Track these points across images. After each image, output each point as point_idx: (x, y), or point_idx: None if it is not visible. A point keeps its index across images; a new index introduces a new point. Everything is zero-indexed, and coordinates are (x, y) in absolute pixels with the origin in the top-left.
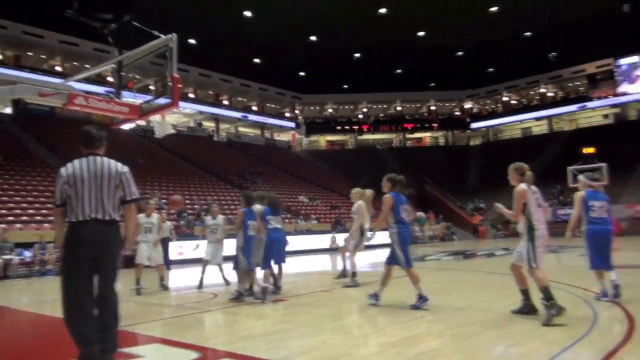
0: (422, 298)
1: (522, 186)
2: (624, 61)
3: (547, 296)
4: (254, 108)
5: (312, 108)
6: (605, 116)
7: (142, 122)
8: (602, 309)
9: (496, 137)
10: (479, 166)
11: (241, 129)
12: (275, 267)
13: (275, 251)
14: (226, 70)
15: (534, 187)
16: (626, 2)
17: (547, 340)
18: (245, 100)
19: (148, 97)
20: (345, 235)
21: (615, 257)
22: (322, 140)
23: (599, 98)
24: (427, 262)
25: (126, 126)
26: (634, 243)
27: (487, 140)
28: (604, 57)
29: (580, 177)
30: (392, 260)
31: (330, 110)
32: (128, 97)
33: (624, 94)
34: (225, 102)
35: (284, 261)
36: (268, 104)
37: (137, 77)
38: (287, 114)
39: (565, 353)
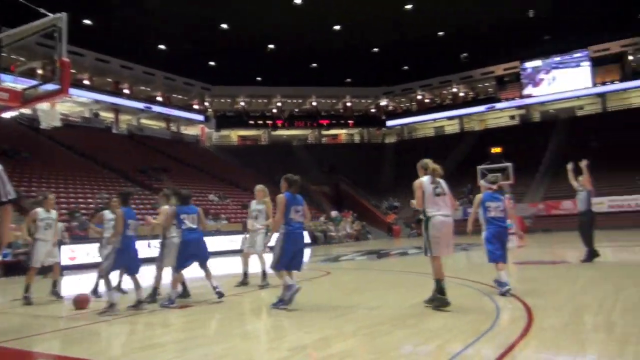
0: (282, 302)
1: (420, 179)
2: (529, 64)
3: (438, 287)
4: (159, 99)
5: (222, 100)
6: (512, 117)
7: (27, 111)
8: (505, 304)
9: (410, 135)
10: (394, 164)
11: (144, 121)
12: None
13: (192, 253)
14: (127, 56)
15: (439, 181)
16: (531, 8)
17: (453, 337)
18: (149, 89)
19: (33, 82)
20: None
21: (519, 253)
22: (234, 135)
23: (507, 99)
24: (342, 262)
25: (6, 114)
26: (537, 240)
27: (401, 139)
28: (511, 60)
29: (481, 182)
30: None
31: (242, 103)
32: (8, 81)
33: (529, 96)
34: (126, 91)
35: (198, 263)
36: (174, 95)
37: (21, 59)
38: (196, 106)
39: (469, 349)
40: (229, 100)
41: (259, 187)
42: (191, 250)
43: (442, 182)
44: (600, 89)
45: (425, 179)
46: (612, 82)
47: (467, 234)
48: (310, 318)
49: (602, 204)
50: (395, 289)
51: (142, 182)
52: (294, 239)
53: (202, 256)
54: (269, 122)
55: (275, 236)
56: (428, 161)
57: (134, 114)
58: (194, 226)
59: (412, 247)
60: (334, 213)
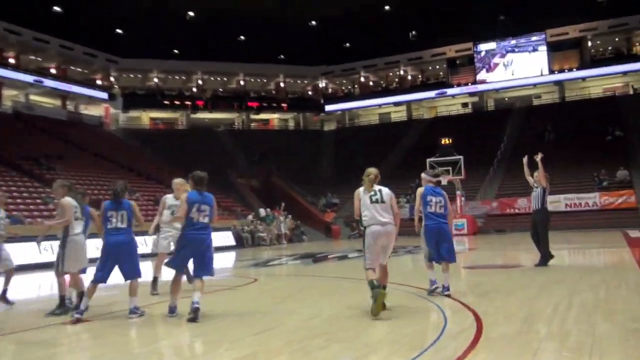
0: (172, 310)
1: (360, 188)
2: (483, 47)
3: (372, 288)
4: (53, 71)
5: (132, 76)
6: (465, 105)
7: None
8: (452, 312)
9: (352, 122)
10: (333, 155)
11: (34, 98)
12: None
13: (114, 259)
14: (13, 18)
15: (379, 188)
16: None
17: (394, 350)
18: (40, 59)
19: None
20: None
21: (469, 256)
22: (145, 117)
23: (459, 85)
24: (272, 267)
25: None
26: (488, 242)
27: (342, 126)
28: (464, 40)
29: (422, 174)
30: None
31: (156, 80)
32: None
33: (483, 82)
34: (12, 61)
35: (136, 274)
36: (73, 67)
37: None
38: (99, 82)
39: None
40: (139, 76)
41: (179, 181)
42: (112, 255)
43: (382, 189)
44: (558, 76)
45: (363, 188)
46: (570, 69)
47: (415, 235)
48: (232, 332)
49: (559, 202)
50: (331, 297)
51: (32, 171)
52: (192, 241)
53: (125, 265)
54: (187, 102)
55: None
56: (371, 170)
57: (22, 88)
58: (123, 226)
59: (352, 249)
60: (262, 211)
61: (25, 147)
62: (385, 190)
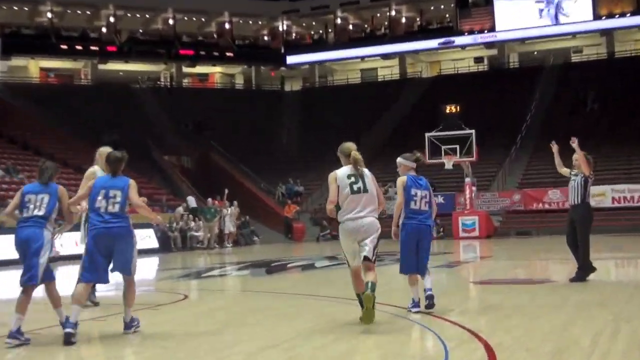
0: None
1: (337, 170)
2: None
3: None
4: None
5: (15, 9)
6: (479, 60)
7: None
8: (456, 344)
9: (324, 80)
10: (298, 126)
11: None
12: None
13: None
14: None
15: (364, 172)
16: None
17: None
18: None
19: None
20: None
21: (480, 267)
22: (34, 67)
23: (471, 32)
24: (210, 279)
25: None
26: (507, 248)
27: (310, 85)
28: None
29: (399, 159)
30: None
31: (49, 15)
32: None
33: (503, 29)
34: None
35: (33, 278)
36: None
37: None
38: None
39: None
40: (25, 9)
41: (105, 151)
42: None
43: (366, 174)
44: (606, 23)
45: (342, 171)
46: (622, 14)
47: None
48: None
49: (604, 195)
50: (292, 321)
51: None
52: (96, 236)
53: (26, 263)
54: (94, 48)
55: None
56: (350, 145)
57: None
58: (39, 213)
59: (321, 256)
60: (191, 200)
61: None
62: (368, 175)
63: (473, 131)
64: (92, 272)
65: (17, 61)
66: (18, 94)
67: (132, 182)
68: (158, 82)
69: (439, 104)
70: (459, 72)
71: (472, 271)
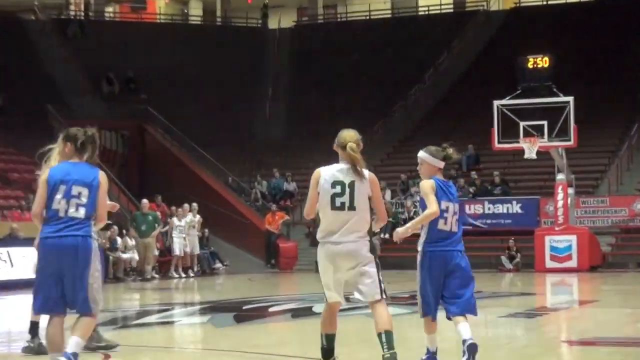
0: None
1: (321, 169)
2: None
3: (322, 344)
4: None
5: None
6: None
7: None
8: None
9: (334, 14)
10: (288, 86)
11: None
12: None
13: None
14: None
15: (353, 180)
16: None
17: None
18: None
19: None
20: None
21: (580, 317)
22: None
23: None
24: (142, 329)
25: None
26: (624, 287)
27: (310, 20)
28: None
29: (422, 152)
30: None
31: None
32: None
33: None
34: None
35: None
36: None
37: None
38: None
39: None
40: None
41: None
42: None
43: (362, 179)
44: None
45: (328, 172)
46: None
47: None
48: None
49: None
50: None
51: None
52: (48, 253)
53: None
54: None
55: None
56: (348, 134)
57: None
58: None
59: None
60: (110, 204)
61: None
62: (365, 180)
63: (571, 99)
64: (39, 302)
65: None
66: None
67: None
68: (64, 13)
69: (516, 54)
70: (550, 3)
71: (564, 323)
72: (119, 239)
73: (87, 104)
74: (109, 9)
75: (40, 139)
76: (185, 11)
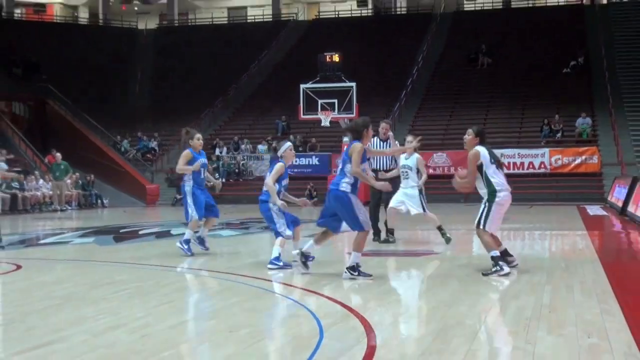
0: None
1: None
2: None
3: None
4: None
5: None
6: (362, 2)
7: None
8: (330, 323)
9: (186, 19)
10: (153, 71)
11: None
12: None
13: None
14: None
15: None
16: None
17: None
18: None
19: None
20: None
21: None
22: None
23: None
24: (47, 247)
25: None
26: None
27: (169, 23)
28: None
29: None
30: None
31: None
32: None
33: None
34: None
35: None
36: None
37: None
38: None
39: None
40: None
41: None
42: None
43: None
44: None
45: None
46: None
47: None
48: None
49: None
50: (146, 297)
51: None
52: None
53: None
54: None
55: None
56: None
57: None
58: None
59: (178, 222)
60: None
61: None
62: None
63: (354, 84)
64: None
65: None
66: None
67: None
68: None
69: (316, 52)
70: (340, 16)
71: (349, 241)
72: (26, 184)
73: (1, 82)
74: (18, 10)
75: None
76: (76, 14)
